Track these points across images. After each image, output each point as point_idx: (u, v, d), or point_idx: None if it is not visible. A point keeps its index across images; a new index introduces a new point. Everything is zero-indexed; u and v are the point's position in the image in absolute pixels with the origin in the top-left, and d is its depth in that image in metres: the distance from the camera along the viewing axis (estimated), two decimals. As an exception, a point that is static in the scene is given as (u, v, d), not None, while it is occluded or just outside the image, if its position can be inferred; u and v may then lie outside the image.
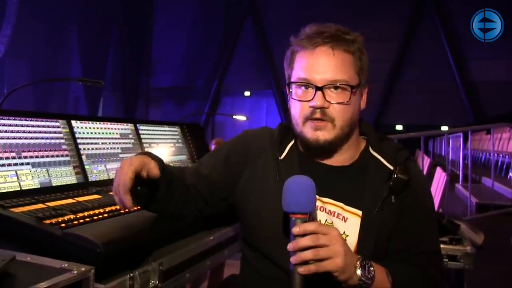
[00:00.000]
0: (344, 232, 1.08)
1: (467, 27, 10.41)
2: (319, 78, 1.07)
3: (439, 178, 4.18)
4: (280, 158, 1.16)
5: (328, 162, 1.15)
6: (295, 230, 0.92)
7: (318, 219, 1.11)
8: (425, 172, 4.80)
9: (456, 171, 7.21)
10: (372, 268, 0.98)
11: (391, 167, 1.12)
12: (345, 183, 1.13)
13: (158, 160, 1.09)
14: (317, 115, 1.07)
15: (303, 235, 0.92)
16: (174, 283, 1.25)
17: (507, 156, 6.84)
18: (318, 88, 1.06)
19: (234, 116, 5.52)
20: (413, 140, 5.50)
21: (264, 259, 1.14)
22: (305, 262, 0.91)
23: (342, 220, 1.11)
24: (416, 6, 13.66)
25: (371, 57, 1.14)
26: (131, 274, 1.10)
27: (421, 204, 1.14)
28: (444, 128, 10.13)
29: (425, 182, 1.21)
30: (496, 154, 6.68)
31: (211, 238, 1.47)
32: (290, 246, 0.92)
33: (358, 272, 0.95)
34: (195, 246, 1.37)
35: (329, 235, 0.92)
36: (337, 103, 1.07)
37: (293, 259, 0.91)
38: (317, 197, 1.10)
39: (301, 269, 0.90)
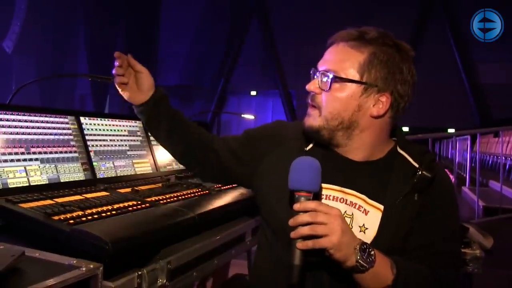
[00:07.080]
0: (363, 225, 1.09)
1: (466, 27, 10.36)
2: (319, 66, 1.13)
3: (447, 181, 4.14)
4: (305, 149, 1.18)
5: (352, 157, 1.15)
6: (296, 206, 0.96)
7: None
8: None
9: (463, 174, 7.16)
10: (373, 253, 0.97)
11: (417, 165, 1.11)
12: (370, 177, 1.13)
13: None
14: (309, 99, 1.15)
15: (305, 212, 0.95)
16: (182, 282, 1.25)
17: (515, 159, 6.78)
18: (315, 73, 1.13)
19: (243, 115, 5.45)
20: (420, 142, 5.47)
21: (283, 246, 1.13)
22: (305, 238, 0.94)
23: (363, 212, 1.11)
24: (423, 8, 13.57)
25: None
26: (139, 272, 1.10)
27: (443, 204, 1.12)
28: (451, 130, 10.05)
29: (450, 184, 1.18)
30: (504, 157, 6.61)
31: (218, 237, 1.46)
32: (290, 221, 0.95)
33: (357, 253, 0.95)
34: (203, 245, 1.37)
35: (329, 214, 0.94)
36: (320, 88, 1.11)
37: (292, 234, 0.94)
38: (339, 187, 1.12)
39: (300, 244, 0.94)
